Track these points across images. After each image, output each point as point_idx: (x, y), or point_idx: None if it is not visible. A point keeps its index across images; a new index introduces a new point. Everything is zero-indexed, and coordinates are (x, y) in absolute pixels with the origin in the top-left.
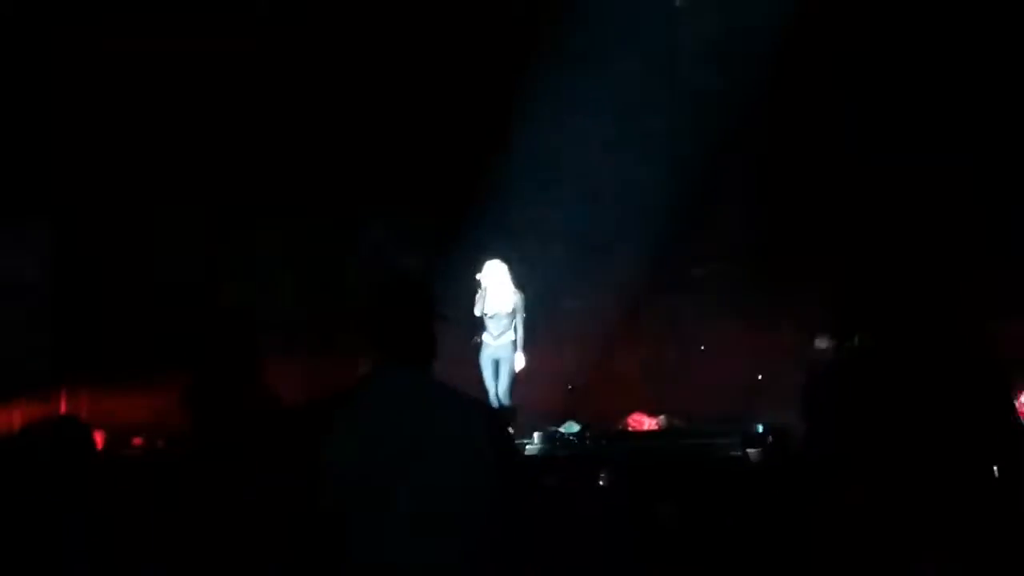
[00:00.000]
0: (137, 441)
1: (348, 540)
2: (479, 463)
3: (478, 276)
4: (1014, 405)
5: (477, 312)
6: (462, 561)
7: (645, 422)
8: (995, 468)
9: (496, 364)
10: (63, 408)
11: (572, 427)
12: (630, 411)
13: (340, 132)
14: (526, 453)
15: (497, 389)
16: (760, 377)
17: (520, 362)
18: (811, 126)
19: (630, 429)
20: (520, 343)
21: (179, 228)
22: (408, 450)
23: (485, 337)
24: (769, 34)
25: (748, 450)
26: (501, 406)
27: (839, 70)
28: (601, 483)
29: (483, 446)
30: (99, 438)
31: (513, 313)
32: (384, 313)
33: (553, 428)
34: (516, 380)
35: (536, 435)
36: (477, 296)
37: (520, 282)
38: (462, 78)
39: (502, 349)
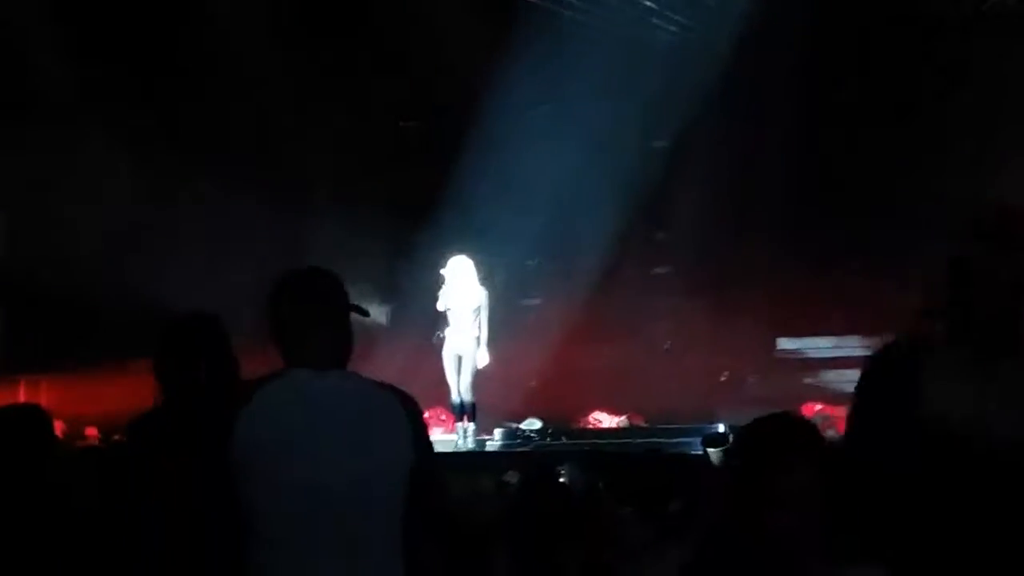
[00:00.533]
0: (91, 432)
1: (259, 537)
2: (399, 456)
3: (442, 271)
4: None
5: (440, 307)
6: (384, 557)
7: (606, 420)
8: None
9: (459, 360)
10: (22, 397)
11: (533, 424)
12: (592, 409)
13: (308, 125)
14: (487, 449)
15: (459, 385)
16: (724, 376)
17: (484, 358)
18: (770, 125)
19: (591, 427)
20: (484, 339)
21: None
22: (310, 448)
23: (448, 332)
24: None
25: (709, 450)
26: (462, 401)
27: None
28: (561, 479)
29: (401, 441)
30: (56, 428)
31: (478, 309)
32: (285, 311)
33: (515, 425)
34: (478, 376)
35: (497, 431)
36: (440, 291)
37: (485, 278)
38: (426, 79)
39: (465, 345)
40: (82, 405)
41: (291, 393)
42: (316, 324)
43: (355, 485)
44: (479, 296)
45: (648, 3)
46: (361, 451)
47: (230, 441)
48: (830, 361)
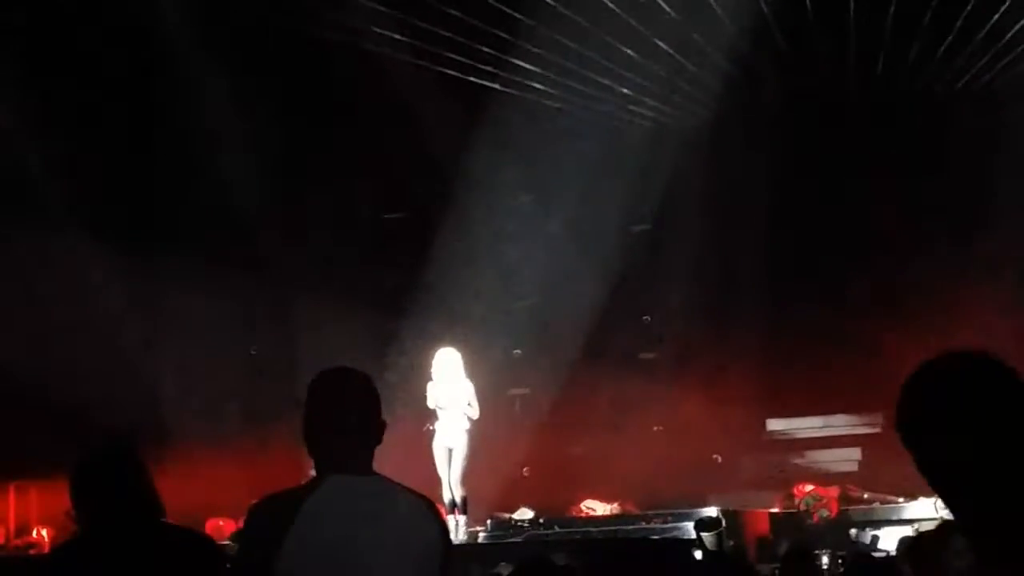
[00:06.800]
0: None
1: None
2: (433, 565)
3: (432, 364)
4: None
5: (431, 404)
6: None
7: (598, 508)
8: None
9: (449, 453)
10: (12, 504)
11: (525, 514)
12: (583, 497)
13: (293, 221)
14: (480, 540)
15: (450, 477)
16: (718, 459)
17: (475, 413)
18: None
19: (583, 515)
20: (475, 409)
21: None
22: (363, 558)
23: (438, 426)
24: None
25: (702, 534)
26: (454, 495)
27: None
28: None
29: (438, 547)
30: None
31: (465, 402)
32: (323, 414)
33: (506, 515)
34: (469, 468)
35: (490, 522)
36: (429, 386)
37: (470, 371)
38: (409, 171)
39: (455, 437)
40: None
41: (337, 503)
42: (355, 428)
43: None
44: (467, 390)
45: (625, 90)
46: (402, 561)
47: (279, 551)
48: (819, 441)
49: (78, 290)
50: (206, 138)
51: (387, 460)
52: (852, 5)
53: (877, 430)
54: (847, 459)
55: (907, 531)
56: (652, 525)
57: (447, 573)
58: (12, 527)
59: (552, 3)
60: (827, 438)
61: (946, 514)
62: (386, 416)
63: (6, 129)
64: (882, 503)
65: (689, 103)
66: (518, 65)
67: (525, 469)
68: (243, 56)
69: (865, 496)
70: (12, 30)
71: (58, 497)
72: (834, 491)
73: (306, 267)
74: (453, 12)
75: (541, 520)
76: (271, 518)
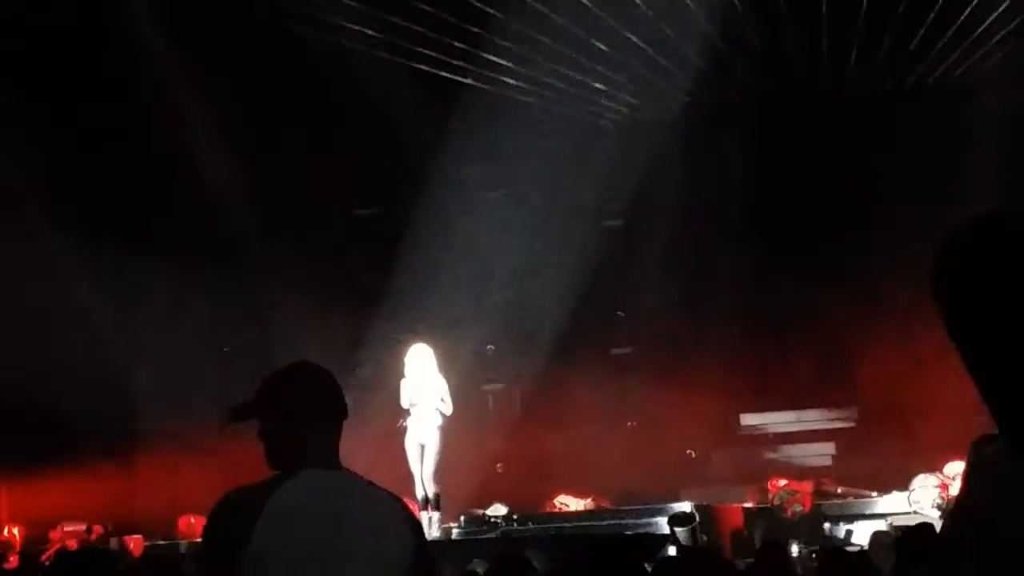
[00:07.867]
0: (54, 535)
1: None
2: (407, 562)
3: (404, 360)
4: None
5: (404, 402)
6: None
7: (572, 503)
8: None
9: (422, 448)
10: None
11: (499, 510)
12: (557, 492)
13: (264, 217)
14: (453, 537)
15: (423, 473)
16: (692, 454)
17: (448, 408)
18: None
19: (557, 511)
20: (448, 406)
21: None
22: (337, 553)
23: (410, 422)
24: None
25: (676, 529)
26: (427, 491)
27: None
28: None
29: (411, 544)
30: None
31: (438, 398)
32: (292, 408)
33: (480, 511)
34: (442, 464)
35: (463, 518)
36: (402, 383)
37: (442, 367)
38: (379, 167)
39: (427, 433)
40: (44, 510)
41: (310, 496)
42: (325, 421)
43: None
44: (440, 386)
45: (597, 85)
46: (376, 557)
47: (248, 544)
48: (793, 435)
49: (52, 289)
50: (179, 134)
51: (360, 456)
52: None
53: (851, 424)
54: (821, 453)
55: (880, 525)
56: (626, 521)
57: (422, 570)
58: None
59: None
60: (801, 433)
61: (918, 507)
62: (359, 412)
63: None
64: (856, 497)
65: (661, 97)
66: (490, 60)
67: (498, 465)
68: (216, 52)
69: (839, 490)
70: None
71: (30, 496)
72: (808, 485)
73: (279, 264)
74: (425, 7)
75: (515, 516)
76: (240, 510)
